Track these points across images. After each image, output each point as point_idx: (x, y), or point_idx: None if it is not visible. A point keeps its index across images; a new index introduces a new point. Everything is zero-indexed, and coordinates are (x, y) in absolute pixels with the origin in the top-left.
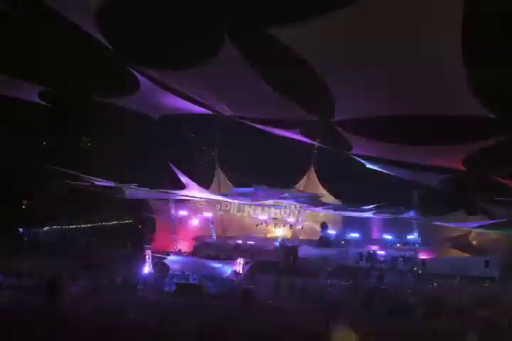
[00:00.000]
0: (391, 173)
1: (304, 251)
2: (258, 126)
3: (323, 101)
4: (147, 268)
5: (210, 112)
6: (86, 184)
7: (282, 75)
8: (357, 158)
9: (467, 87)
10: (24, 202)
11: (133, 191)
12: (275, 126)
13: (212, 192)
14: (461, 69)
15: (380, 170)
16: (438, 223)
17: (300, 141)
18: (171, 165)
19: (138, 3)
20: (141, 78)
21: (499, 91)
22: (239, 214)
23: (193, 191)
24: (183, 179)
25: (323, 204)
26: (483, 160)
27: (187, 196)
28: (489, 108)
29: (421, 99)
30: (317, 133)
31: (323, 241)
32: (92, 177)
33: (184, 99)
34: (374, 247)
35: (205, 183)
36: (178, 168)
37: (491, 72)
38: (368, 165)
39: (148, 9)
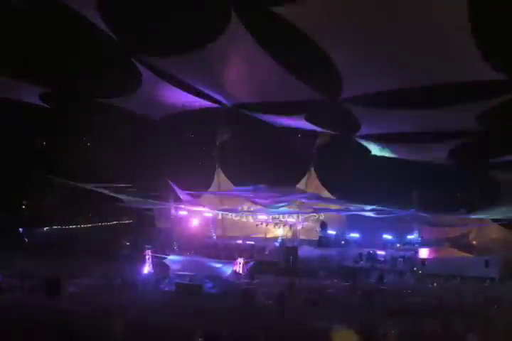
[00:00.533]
0: (398, 156)
1: (304, 251)
2: (260, 116)
3: (330, 78)
4: (147, 268)
5: (211, 104)
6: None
7: (288, 52)
8: (364, 143)
9: (477, 52)
10: (24, 202)
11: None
12: (278, 113)
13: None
14: (469, 36)
15: (386, 155)
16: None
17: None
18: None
19: None
20: (143, 71)
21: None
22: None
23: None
24: (183, 196)
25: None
26: (495, 116)
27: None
28: (499, 70)
29: (431, 68)
30: (324, 116)
31: (323, 241)
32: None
33: (186, 90)
34: (374, 247)
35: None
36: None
37: (498, 35)
38: (374, 152)
39: None
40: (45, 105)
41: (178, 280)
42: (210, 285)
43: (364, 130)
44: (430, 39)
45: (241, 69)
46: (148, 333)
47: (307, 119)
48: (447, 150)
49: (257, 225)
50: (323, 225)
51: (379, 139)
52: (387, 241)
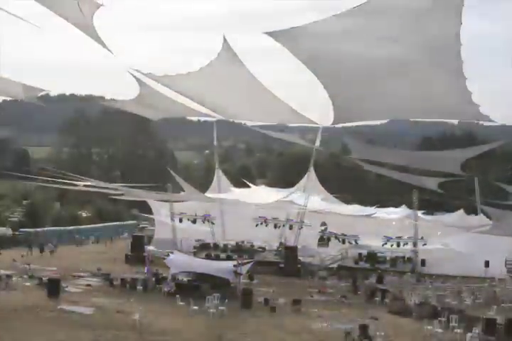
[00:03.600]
0: (390, 176)
1: (303, 251)
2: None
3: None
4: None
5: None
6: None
7: None
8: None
9: None
10: (24, 201)
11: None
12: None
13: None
14: None
15: (379, 172)
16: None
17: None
18: None
19: None
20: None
21: None
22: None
23: None
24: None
25: None
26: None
27: None
28: None
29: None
30: None
31: (323, 241)
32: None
33: None
34: (374, 247)
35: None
36: None
37: None
38: (366, 168)
39: None
40: None
41: (178, 280)
42: (210, 285)
43: (354, 154)
44: None
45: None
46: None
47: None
48: (436, 182)
49: (256, 225)
50: (323, 225)
51: (371, 163)
52: (388, 241)
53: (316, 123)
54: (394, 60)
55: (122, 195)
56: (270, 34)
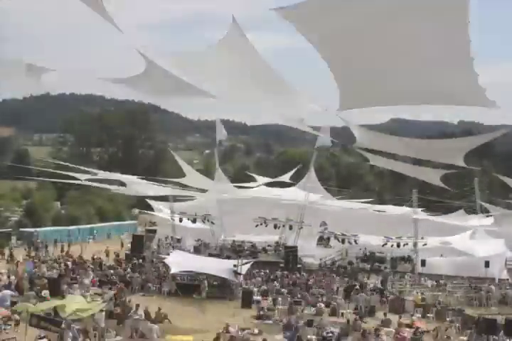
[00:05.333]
0: (395, 169)
1: (304, 250)
2: None
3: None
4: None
5: None
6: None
7: None
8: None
9: None
10: (24, 201)
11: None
12: None
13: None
14: None
15: (383, 166)
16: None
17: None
18: None
19: None
20: None
21: None
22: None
23: None
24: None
25: None
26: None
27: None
28: None
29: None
30: None
31: (323, 241)
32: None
33: None
34: (374, 247)
35: None
36: None
37: None
38: (372, 162)
39: None
40: None
41: (178, 280)
42: (209, 284)
43: (360, 143)
44: None
45: None
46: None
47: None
48: (439, 174)
49: (256, 225)
50: (323, 224)
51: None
52: (388, 240)
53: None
54: (400, 41)
55: (124, 185)
56: (276, 11)
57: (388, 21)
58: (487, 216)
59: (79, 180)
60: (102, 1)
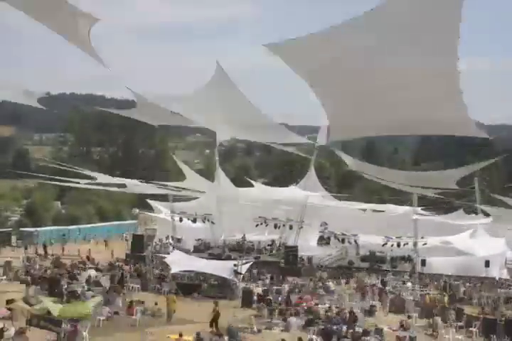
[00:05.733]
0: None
1: (304, 250)
2: None
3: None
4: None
5: None
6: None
7: None
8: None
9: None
10: (24, 201)
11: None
12: None
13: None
14: None
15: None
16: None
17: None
18: None
19: None
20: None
21: None
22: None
23: None
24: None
25: None
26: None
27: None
28: None
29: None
30: None
31: (323, 241)
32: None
33: None
34: (374, 247)
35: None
36: None
37: None
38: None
39: None
40: None
41: (178, 280)
42: (210, 284)
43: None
44: None
45: None
46: None
47: None
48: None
49: (256, 225)
50: (324, 224)
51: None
52: (387, 240)
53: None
54: (391, 74)
55: (124, 185)
56: (268, 47)
57: (376, 57)
58: (487, 216)
59: (79, 183)
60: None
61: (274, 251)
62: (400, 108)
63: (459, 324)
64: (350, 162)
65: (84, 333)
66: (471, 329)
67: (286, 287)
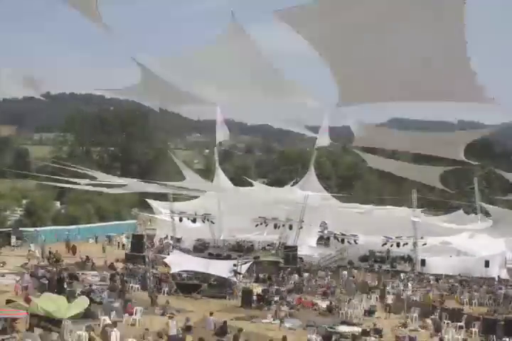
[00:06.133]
0: (393, 172)
1: (304, 250)
2: None
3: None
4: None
5: None
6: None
7: None
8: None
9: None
10: (24, 201)
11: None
12: None
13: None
14: None
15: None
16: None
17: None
18: None
19: None
20: None
21: None
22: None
23: None
24: None
25: None
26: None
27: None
28: None
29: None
30: None
31: (323, 241)
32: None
33: None
34: (374, 246)
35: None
36: None
37: None
38: (370, 164)
39: None
40: None
41: (178, 280)
42: (210, 284)
43: (358, 140)
44: None
45: None
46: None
47: None
48: (438, 172)
49: (256, 225)
50: (323, 224)
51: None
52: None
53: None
54: (399, 40)
55: (125, 185)
56: (275, 13)
57: (388, 22)
58: (487, 216)
59: (79, 184)
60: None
61: (274, 251)
62: (411, 73)
63: (459, 324)
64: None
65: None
66: (471, 329)
67: (286, 287)
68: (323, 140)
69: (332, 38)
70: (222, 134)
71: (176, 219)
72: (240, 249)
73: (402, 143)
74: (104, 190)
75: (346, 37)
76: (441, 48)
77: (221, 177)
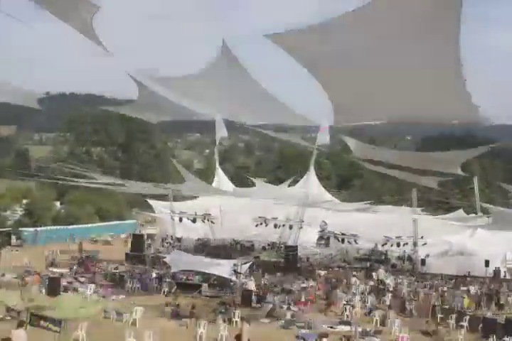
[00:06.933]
0: (392, 175)
1: (303, 250)
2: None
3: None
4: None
5: None
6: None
7: None
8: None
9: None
10: (24, 201)
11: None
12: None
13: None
14: None
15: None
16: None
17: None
18: None
19: None
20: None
21: None
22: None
23: None
24: None
25: None
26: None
27: None
28: None
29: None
30: None
31: (323, 241)
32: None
33: None
34: (374, 246)
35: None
36: None
37: None
38: (368, 167)
39: None
40: None
41: (178, 280)
42: (210, 284)
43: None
44: None
45: None
46: None
47: None
48: (436, 181)
49: (256, 225)
50: (323, 224)
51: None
52: (387, 240)
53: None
54: (393, 61)
55: (124, 185)
56: (269, 37)
57: (380, 45)
58: (487, 217)
59: (79, 182)
60: (92, 23)
61: (273, 251)
62: (401, 96)
63: (461, 323)
64: (354, 146)
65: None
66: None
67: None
68: (324, 138)
69: (323, 62)
70: (220, 133)
71: (176, 219)
72: (240, 249)
73: (396, 159)
74: (107, 187)
75: (339, 60)
76: (436, 71)
77: (221, 177)
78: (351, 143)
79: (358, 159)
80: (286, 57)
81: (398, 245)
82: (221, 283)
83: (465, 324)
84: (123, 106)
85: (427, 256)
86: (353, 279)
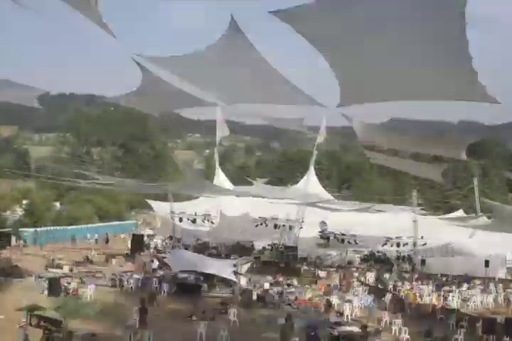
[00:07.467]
0: (395, 167)
1: (303, 250)
2: None
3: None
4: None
5: None
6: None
7: None
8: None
9: None
10: (24, 201)
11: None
12: None
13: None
14: None
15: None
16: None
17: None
18: None
19: None
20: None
21: None
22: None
23: None
24: None
25: None
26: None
27: None
28: None
29: None
30: None
31: (323, 241)
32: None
33: None
34: (374, 247)
35: None
36: None
37: None
38: (372, 160)
39: None
40: None
41: (178, 280)
42: (210, 284)
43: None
44: None
45: None
46: None
47: None
48: (440, 170)
49: (256, 225)
50: (323, 224)
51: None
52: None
53: (322, 105)
54: (400, 40)
55: (123, 185)
56: (275, 13)
57: (388, 22)
58: (487, 216)
59: (79, 183)
60: (97, 5)
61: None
62: (409, 73)
63: (461, 323)
64: (359, 129)
65: None
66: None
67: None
68: (321, 137)
69: (333, 38)
70: (222, 132)
71: (176, 219)
72: (240, 249)
73: (402, 143)
74: (107, 186)
75: (347, 37)
76: (442, 47)
77: (221, 177)
78: (356, 125)
79: (362, 145)
80: (293, 34)
81: (398, 245)
82: (221, 283)
83: (465, 324)
84: (124, 97)
85: (427, 256)
86: (353, 279)
